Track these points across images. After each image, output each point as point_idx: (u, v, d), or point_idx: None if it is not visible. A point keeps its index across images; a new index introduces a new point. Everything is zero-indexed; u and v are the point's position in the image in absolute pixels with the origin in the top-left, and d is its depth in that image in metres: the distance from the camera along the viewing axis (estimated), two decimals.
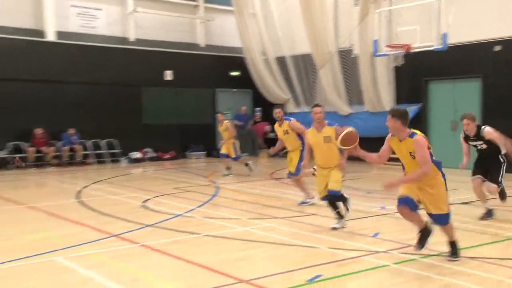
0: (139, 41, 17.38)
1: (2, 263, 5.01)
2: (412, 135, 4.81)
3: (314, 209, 7.82)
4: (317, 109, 6.51)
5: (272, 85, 17.68)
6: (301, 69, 16.99)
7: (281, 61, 17.52)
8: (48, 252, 5.41)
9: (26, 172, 14.17)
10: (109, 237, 6.18)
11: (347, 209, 6.52)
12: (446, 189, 4.94)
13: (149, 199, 9.01)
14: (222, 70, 18.51)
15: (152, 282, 4.61)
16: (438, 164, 4.90)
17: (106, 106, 16.02)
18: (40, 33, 15.47)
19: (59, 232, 6.67)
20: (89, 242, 5.86)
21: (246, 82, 18.14)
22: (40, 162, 14.99)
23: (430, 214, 4.94)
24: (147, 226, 6.78)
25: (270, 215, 7.58)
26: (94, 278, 4.62)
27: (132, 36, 17.34)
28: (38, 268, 4.96)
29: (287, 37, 17.30)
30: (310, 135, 6.63)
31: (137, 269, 4.98)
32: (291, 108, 17.29)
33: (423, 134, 4.89)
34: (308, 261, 5.02)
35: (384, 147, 5.07)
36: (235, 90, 19.06)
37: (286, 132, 8.24)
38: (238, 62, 18.02)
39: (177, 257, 5.29)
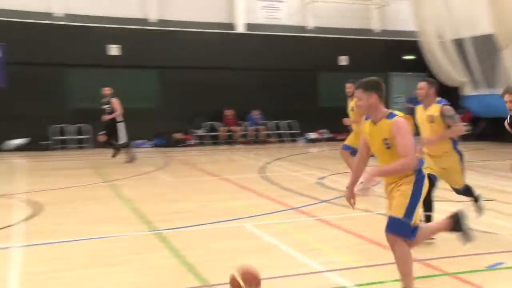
0: (316, 29, 18.25)
1: (202, 224, 5.92)
2: (390, 115, 3.52)
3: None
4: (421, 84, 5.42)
5: (448, 68, 16.85)
6: (481, 51, 15.79)
7: (458, 43, 16.49)
8: (238, 218, 6.18)
9: (218, 148, 16.21)
10: (289, 209, 6.78)
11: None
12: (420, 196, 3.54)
13: (324, 177, 9.52)
14: (396, 54, 18.39)
15: (329, 254, 4.89)
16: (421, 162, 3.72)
17: (286, 90, 17.26)
18: (231, 26, 17.38)
19: (246, 202, 7.49)
20: (272, 213, 6.51)
21: (419, 65, 17.57)
22: (230, 140, 16.96)
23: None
24: (322, 201, 7.23)
25: (446, 198, 7.29)
26: (277, 245, 5.09)
27: (310, 25, 18.31)
28: (229, 232, 5.72)
29: (466, 18, 16.19)
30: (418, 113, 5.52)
31: (315, 240, 5.36)
32: (468, 91, 16.33)
33: (406, 117, 3.56)
34: (490, 247, 4.78)
35: (361, 141, 3.86)
36: (409, 73, 18.57)
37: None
38: (412, 45, 17.61)
39: (350, 231, 5.58)
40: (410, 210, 3.44)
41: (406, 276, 3.50)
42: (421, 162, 3.70)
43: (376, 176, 3.46)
